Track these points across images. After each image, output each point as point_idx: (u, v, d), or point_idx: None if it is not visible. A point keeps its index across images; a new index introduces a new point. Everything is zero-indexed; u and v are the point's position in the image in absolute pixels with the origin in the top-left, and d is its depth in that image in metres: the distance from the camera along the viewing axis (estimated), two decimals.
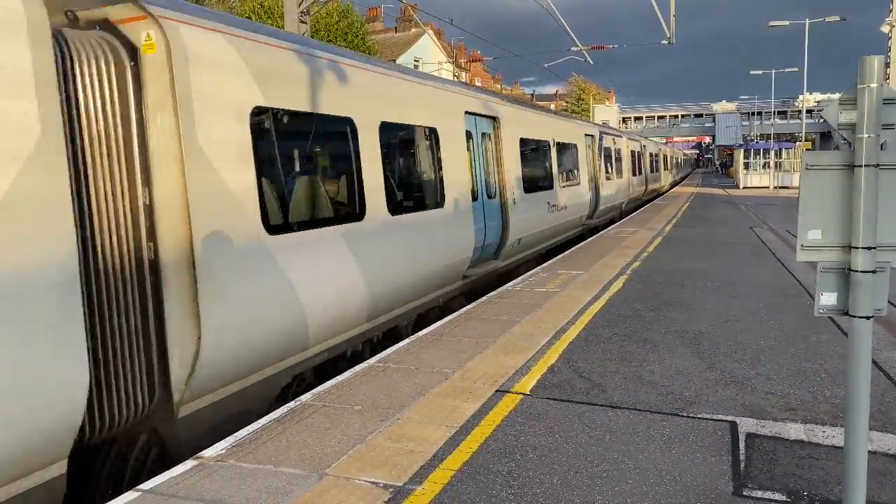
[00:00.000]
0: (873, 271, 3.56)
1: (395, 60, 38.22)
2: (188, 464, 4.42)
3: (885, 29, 14.76)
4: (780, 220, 21.67)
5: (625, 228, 19.57)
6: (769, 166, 43.38)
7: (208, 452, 4.59)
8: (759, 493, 4.05)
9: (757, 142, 55.12)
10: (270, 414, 5.30)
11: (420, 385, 5.93)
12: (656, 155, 39.47)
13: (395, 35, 47.74)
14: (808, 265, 12.25)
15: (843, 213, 3.62)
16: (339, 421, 5.14)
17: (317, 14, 25.92)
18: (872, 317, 3.60)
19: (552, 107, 69.25)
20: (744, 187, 43.99)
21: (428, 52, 45.59)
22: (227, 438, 4.83)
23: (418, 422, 5.11)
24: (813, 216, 3.68)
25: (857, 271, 3.56)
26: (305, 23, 17.34)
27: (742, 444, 4.72)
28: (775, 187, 42.20)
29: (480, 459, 4.49)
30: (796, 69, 45.83)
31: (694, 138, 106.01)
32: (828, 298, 3.71)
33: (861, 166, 3.50)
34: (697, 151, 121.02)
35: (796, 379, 6.11)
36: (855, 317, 3.60)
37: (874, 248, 3.54)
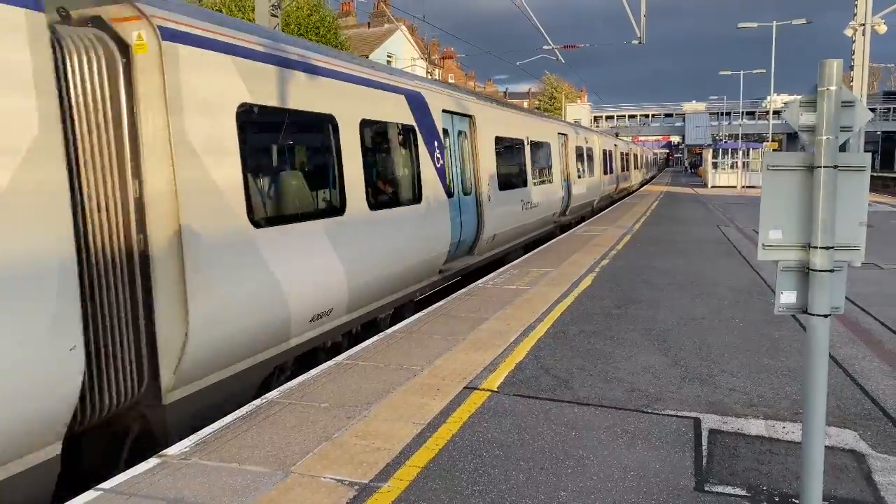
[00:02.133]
0: (831, 270, 3.63)
1: (367, 56, 38.00)
2: (151, 462, 4.36)
3: (849, 32, 15.05)
4: (746, 218, 22.00)
5: (595, 226, 19.73)
6: (737, 166, 44.03)
7: (172, 450, 4.54)
8: (721, 489, 4.12)
9: (726, 141, 55.90)
10: (236, 412, 5.25)
11: (388, 382, 5.92)
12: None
13: (368, 30, 47.49)
14: (772, 263, 12.45)
15: (803, 213, 3.69)
16: (305, 418, 5.11)
17: (288, 8, 25.68)
18: (830, 315, 3.67)
19: (525, 104, 69.35)
20: (712, 186, 44.58)
21: (401, 47, 45.43)
22: (191, 436, 4.77)
23: (385, 419, 5.10)
24: (774, 216, 3.74)
25: (815, 270, 3.63)
26: (276, 16, 17.17)
27: (705, 440, 4.79)
28: (743, 187, 42.85)
29: (446, 456, 4.50)
30: (764, 70, 46.63)
31: (661, 138, 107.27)
32: (787, 297, 3.79)
33: (820, 167, 3.56)
34: (667, 151, 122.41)
35: (758, 375, 6.22)
36: (813, 315, 3.67)
37: (832, 247, 3.61)
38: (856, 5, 18.80)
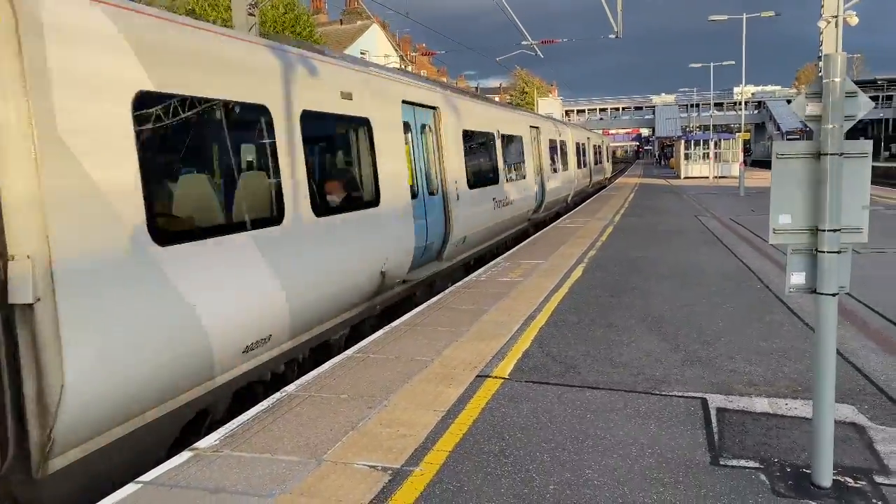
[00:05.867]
0: (838, 252, 3.86)
1: (342, 52, 37.91)
2: (184, 455, 4.46)
3: (822, 25, 15.52)
4: (722, 208, 22.45)
5: (577, 219, 20.02)
6: (709, 156, 44.72)
7: (202, 444, 4.64)
8: (735, 462, 4.33)
9: (696, 133, 56.67)
10: (258, 405, 5.36)
11: (402, 373, 6.07)
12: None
13: (341, 27, 47.39)
14: (754, 251, 12.82)
15: (811, 198, 3.91)
16: (327, 410, 5.24)
17: (263, 6, 25.59)
18: (837, 293, 3.90)
19: (496, 99, 69.52)
20: (685, 177, 45.21)
21: (375, 44, 45.40)
22: (219, 430, 4.88)
23: (405, 408, 5.25)
24: (783, 202, 3.95)
25: (823, 252, 3.85)
26: (253, 15, 17.13)
27: (714, 418, 5.02)
28: (715, 177, 43.57)
29: (471, 440, 4.66)
30: (734, 62, 47.33)
31: (631, 130, 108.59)
32: (797, 278, 4.01)
33: (827, 155, 3.78)
34: (637, 143, 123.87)
35: (754, 357, 6.47)
36: (822, 294, 3.90)
37: (839, 230, 3.83)
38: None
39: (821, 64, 22.72)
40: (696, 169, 45.28)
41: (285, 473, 4.20)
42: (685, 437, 4.72)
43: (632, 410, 5.19)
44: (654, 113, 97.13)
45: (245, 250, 5.90)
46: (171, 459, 4.42)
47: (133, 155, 4.77)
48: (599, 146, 40.83)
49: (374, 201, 8.66)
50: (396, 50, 46.81)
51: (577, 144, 29.47)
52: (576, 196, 28.35)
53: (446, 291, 9.63)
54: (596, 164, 38.16)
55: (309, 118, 7.23)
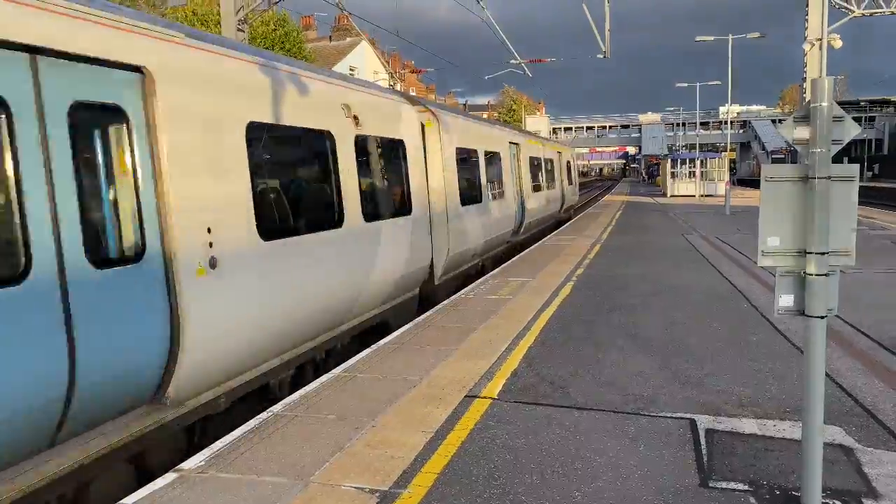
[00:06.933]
0: (826, 274, 3.87)
1: (331, 68, 37.99)
2: (169, 477, 4.39)
3: (807, 47, 15.85)
4: (708, 226, 22.59)
5: (564, 236, 20.09)
6: (695, 175, 45.03)
7: (188, 465, 4.57)
8: (724, 484, 4.32)
9: (682, 152, 57.12)
10: (243, 426, 5.30)
11: (389, 393, 6.03)
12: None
13: (330, 44, 47.57)
14: (740, 270, 12.89)
15: (799, 221, 3.92)
16: (314, 430, 5.18)
17: (254, 22, 25.63)
18: (826, 316, 3.92)
19: (484, 116, 69.87)
20: (671, 196, 45.49)
21: (364, 60, 45.58)
22: (204, 451, 4.81)
23: (393, 429, 5.20)
24: (772, 224, 3.97)
25: (811, 275, 3.87)
26: (243, 31, 17.18)
27: (703, 440, 5.01)
28: (701, 195, 43.86)
29: (460, 462, 4.63)
30: (719, 82, 47.93)
31: (618, 148, 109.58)
32: (786, 300, 4.01)
33: (815, 178, 3.80)
34: (624, 161, 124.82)
35: (742, 377, 6.48)
36: (811, 316, 3.91)
37: (827, 253, 3.85)
38: (806, 19, 19.69)
39: (805, 85, 23.04)
40: (682, 187, 45.55)
41: (272, 496, 4.14)
42: (674, 458, 4.70)
43: (621, 432, 5.17)
44: (640, 131, 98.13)
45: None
46: (156, 481, 4.35)
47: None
48: (548, 160, 24.36)
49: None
50: (385, 67, 46.96)
51: (491, 155, 15.86)
52: (490, 249, 15.45)
53: (433, 310, 9.60)
54: (547, 185, 23.84)
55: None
